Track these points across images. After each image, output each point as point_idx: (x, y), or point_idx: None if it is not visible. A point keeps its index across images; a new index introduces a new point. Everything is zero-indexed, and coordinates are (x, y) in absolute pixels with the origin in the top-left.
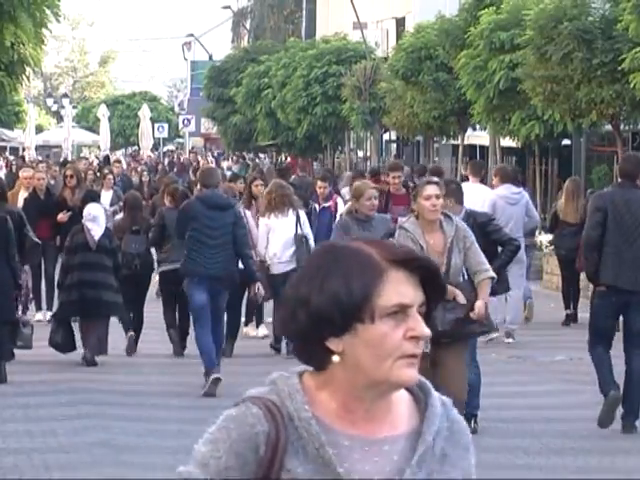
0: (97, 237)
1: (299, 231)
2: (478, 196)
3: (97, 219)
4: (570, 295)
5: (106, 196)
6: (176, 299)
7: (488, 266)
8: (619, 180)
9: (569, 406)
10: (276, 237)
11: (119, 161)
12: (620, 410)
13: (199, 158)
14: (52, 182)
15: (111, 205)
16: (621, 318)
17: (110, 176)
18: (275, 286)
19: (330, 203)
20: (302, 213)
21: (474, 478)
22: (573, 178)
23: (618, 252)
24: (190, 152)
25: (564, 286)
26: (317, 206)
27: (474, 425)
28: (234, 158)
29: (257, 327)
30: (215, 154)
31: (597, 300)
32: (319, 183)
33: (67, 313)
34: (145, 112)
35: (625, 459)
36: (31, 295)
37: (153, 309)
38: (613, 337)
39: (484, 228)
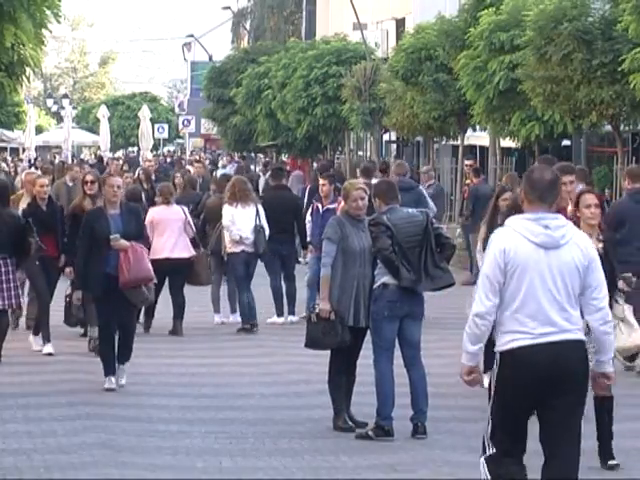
0: None
1: (257, 222)
2: None
3: None
4: None
5: None
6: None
7: None
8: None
9: None
10: (241, 225)
11: (199, 160)
12: None
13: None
14: (70, 184)
15: None
16: None
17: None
18: (238, 264)
19: (335, 205)
20: (260, 207)
21: None
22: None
23: None
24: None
25: None
26: (320, 206)
27: None
28: (227, 158)
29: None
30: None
31: None
32: (320, 181)
33: None
34: (145, 113)
35: (625, 459)
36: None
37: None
38: None
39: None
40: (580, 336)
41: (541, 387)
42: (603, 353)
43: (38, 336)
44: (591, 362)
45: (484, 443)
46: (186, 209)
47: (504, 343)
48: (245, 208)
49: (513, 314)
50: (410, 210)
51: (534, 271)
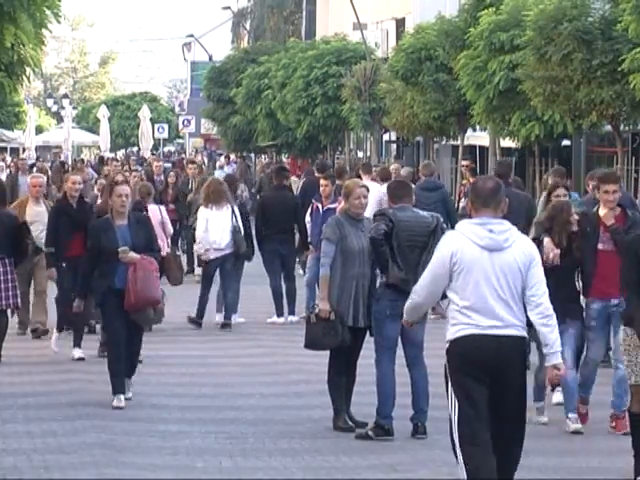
0: None
1: (234, 223)
2: (370, 193)
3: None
4: None
5: None
6: None
7: None
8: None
9: None
10: (215, 227)
11: (194, 162)
12: None
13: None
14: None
15: None
16: None
17: (102, 180)
18: (212, 267)
19: (336, 205)
20: (235, 207)
21: None
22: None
23: None
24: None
25: None
26: (320, 205)
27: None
28: (225, 159)
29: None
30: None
31: None
32: (322, 181)
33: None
34: (145, 113)
35: (625, 459)
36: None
37: None
38: None
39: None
40: (522, 333)
41: (485, 374)
42: (548, 346)
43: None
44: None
45: (452, 438)
46: (163, 209)
47: (453, 333)
48: (220, 209)
49: (461, 309)
50: (422, 212)
51: (479, 271)
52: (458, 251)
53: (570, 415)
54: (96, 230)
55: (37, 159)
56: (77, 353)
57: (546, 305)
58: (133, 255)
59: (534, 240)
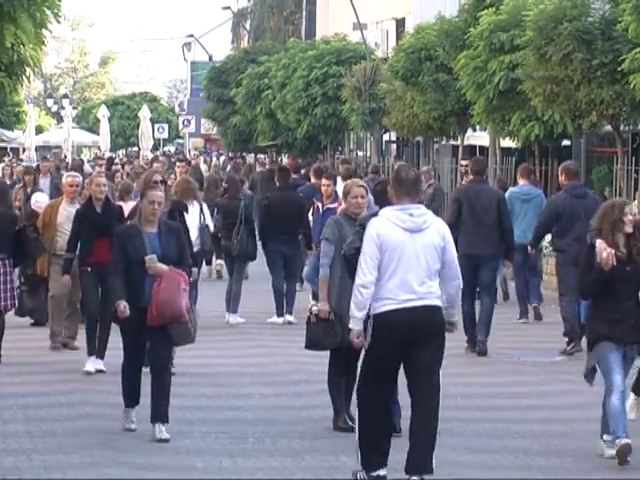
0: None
1: (202, 221)
2: None
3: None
4: None
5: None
6: None
7: None
8: (470, 177)
9: (569, 406)
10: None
11: (182, 160)
12: None
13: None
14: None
15: None
16: None
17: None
18: None
19: (335, 205)
20: (204, 205)
21: None
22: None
23: (471, 230)
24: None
25: None
26: (320, 205)
27: None
28: (225, 159)
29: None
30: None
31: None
32: (323, 181)
33: None
34: (145, 113)
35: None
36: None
37: None
38: (476, 288)
39: None
40: (437, 302)
41: (405, 342)
42: (452, 307)
43: (93, 356)
44: None
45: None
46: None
47: (377, 307)
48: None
49: (384, 285)
50: None
51: (401, 250)
52: (384, 233)
53: (619, 435)
54: (121, 236)
55: (44, 159)
56: (87, 365)
57: (459, 280)
58: (161, 266)
59: (589, 247)
